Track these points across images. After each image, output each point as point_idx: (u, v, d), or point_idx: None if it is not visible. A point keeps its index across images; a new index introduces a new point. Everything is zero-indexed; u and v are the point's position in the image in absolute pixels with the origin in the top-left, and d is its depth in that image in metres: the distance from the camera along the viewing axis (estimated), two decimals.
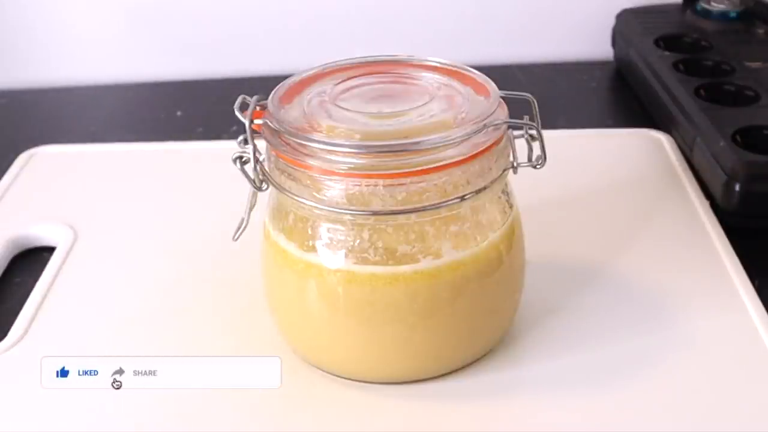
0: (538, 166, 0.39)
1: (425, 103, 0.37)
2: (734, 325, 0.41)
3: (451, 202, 0.36)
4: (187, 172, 0.56)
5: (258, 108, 0.37)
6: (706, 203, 0.50)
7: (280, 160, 0.37)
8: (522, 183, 0.40)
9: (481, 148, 0.36)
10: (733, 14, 0.66)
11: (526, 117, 0.38)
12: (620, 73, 0.69)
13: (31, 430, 0.38)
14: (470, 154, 0.36)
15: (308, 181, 0.36)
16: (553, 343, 0.41)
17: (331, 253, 0.37)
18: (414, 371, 0.39)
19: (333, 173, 0.35)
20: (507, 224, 0.38)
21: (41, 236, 0.51)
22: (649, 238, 0.48)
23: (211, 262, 0.47)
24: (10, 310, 0.45)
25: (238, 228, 0.39)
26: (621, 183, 0.53)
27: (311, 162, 0.35)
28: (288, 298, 0.39)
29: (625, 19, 0.68)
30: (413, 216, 0.36)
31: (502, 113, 0.37)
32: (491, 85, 0.38)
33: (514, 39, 0.72)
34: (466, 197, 0.36)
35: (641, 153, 0.56)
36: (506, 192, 0.39)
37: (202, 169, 0.56)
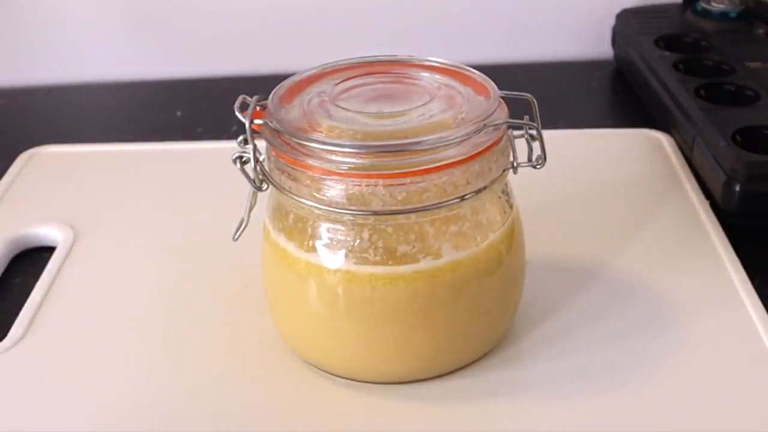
0: (538, 166, 0.39)
1: (425, 103, 0.37)
2: (734, 325, 0.41)
3: (451, 202, 0.36)
4: (187, 172, 0.56)
5: (258, 108, 0.37)
6: (706, 203, 0.50)
7: (280, 160, 0.37)
8: (522, 183, 0.40)
9: (481, 148, 0.36)
10: (733, 14, 0.66)
11: (526, 117, 0.38)
12: (620, 73, 0.69)
13: (31, 430, 0.38)
14: (470, 154, 0.36)
15: (308, 181, 0.36)
16: (553, 343, 0.41)
17: (331, 253, 0.37)
18: (414, 371, 0.39)
19: (333, 173, 0.35)
20: (507, 224, 0.38)
21: (41, 236, 0.51)
22: (649, 238, 0.48)
23: (211, 262, 0.47)
24: (10, 310, 0.45)
25: (238, 228, 0.39)
26: (621, 183, 0.53)
27: (311, 162, 0.35)
28: (288, 298, 0.39)
29: (625, 19, 0.68)
30: (413, 216, 0.36)
31: (502, 113, 0.37)
32: (491, 85, 0.38)
33: (514, 39, 0.72)
34: (466, 197, 0.36)
35: (641, 153, 0.56)
36: (506, 192, 0.39)
37: (202, 169, 0.56)
